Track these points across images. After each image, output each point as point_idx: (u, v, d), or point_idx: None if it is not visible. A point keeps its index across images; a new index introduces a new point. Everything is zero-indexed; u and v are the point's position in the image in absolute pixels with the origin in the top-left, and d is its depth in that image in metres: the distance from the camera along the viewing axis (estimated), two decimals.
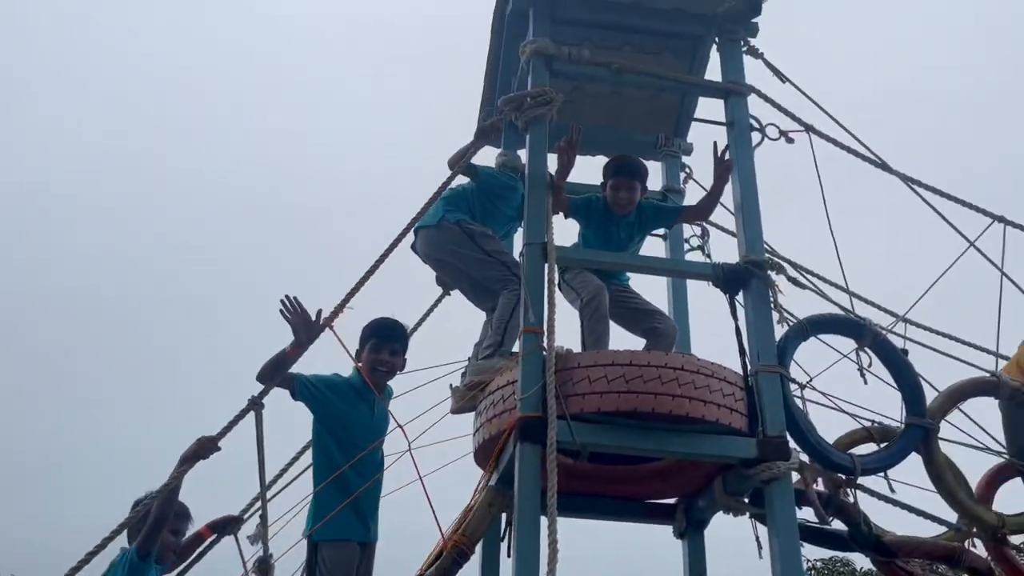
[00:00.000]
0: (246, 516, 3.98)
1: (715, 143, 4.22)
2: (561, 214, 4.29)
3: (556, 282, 3.71)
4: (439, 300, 4.95)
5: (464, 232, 4.30)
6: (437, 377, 4.37)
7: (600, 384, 3.42)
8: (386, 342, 4.09)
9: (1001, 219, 4.73)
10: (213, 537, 3.97)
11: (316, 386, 3.95)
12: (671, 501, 4.24)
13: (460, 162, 4.34)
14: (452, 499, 3.82)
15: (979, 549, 4.23)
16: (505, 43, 4.69)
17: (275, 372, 3.83)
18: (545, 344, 3.47)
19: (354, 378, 4.05)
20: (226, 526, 3.98)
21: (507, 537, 3.53)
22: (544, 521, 3.10)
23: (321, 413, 3.96)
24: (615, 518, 4.27)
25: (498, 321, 4.26)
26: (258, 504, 3.83)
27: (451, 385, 4.21)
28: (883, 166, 4.52)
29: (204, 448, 3.54)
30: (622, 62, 4.19)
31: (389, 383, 4.18)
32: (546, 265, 3.71)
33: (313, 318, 3.80)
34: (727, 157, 4.14)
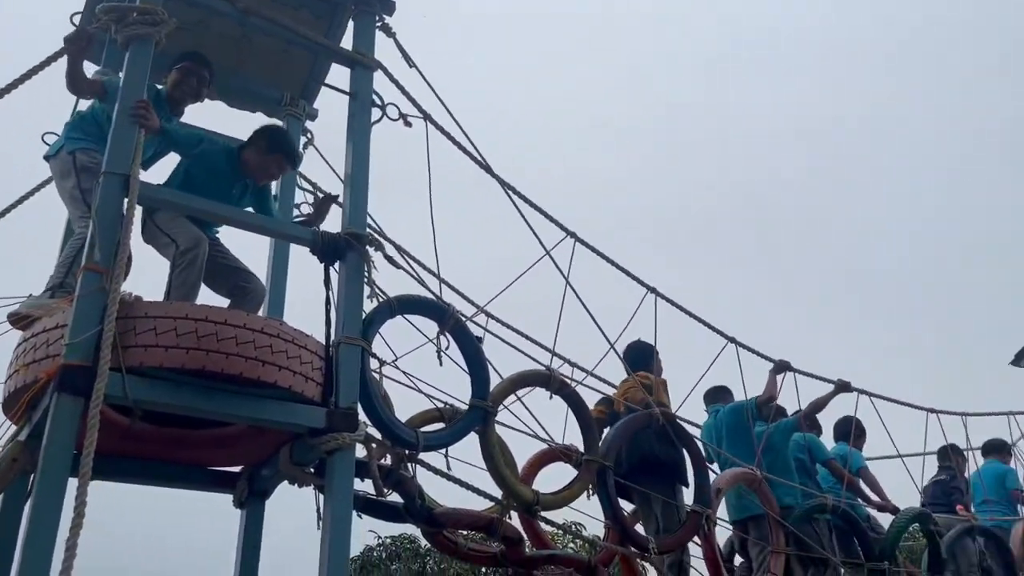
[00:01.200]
0: None
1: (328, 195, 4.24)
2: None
3: (134, 220, 3.33)
4: None
5: (73, 164, 3.78)
6: None
7: (167, 338, 3.14)
8: None
9: (573, 235, 5.34)
10: None
11: None
12: (235, 469, 4.07)
13: (77, 83, 3.76)
14: None
15: (516, 521, 4.75)
16: None
17: None
18: (109, 286, 3.09)
19: None
20: None
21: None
22: (74, 483, 2.76)
23: None
24: (171, 484, 4.00)
25: (64, 259, 3.74)
26: None
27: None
28: (486, 168, 4.83)
29: None
30: (249, 3, 3.93)
31: None
32: (125, 200, 3.32)
33: None
34: (338, 197, 4.12)
